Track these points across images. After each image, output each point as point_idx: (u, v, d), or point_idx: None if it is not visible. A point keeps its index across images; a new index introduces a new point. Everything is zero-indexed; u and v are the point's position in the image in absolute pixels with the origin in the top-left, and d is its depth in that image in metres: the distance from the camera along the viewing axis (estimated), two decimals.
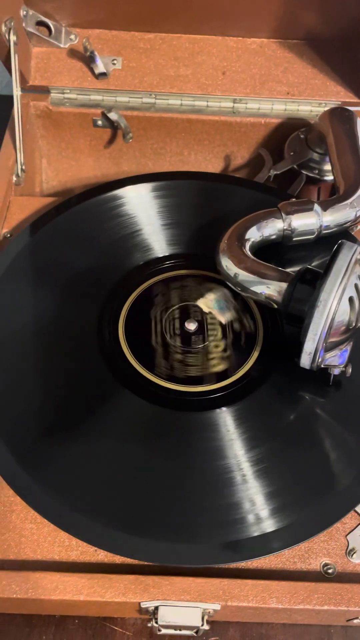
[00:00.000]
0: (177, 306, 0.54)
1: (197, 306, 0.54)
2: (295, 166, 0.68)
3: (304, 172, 0.68)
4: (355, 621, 0.48)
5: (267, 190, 0.63)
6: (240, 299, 0.54)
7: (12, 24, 0.61)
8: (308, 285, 0.44)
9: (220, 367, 0.51)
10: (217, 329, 0.53)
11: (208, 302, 0.54)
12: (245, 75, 0.71)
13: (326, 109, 0.66)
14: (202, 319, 0.54)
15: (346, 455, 0.47)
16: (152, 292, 0.55)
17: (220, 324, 0.53)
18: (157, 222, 0.59)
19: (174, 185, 0.62)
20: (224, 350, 0.52)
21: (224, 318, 0.52)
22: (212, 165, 0.77)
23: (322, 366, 0.46)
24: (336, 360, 0.45)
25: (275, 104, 0.71)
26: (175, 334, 0.53)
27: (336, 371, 0.46)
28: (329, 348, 0.44)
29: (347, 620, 0.49)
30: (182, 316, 0.54)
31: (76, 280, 0.55)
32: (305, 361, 0.44)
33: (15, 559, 0.45)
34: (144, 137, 0.74)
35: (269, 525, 0.44)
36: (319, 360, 0.44)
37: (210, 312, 0.53)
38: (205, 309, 0.54)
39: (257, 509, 0.44)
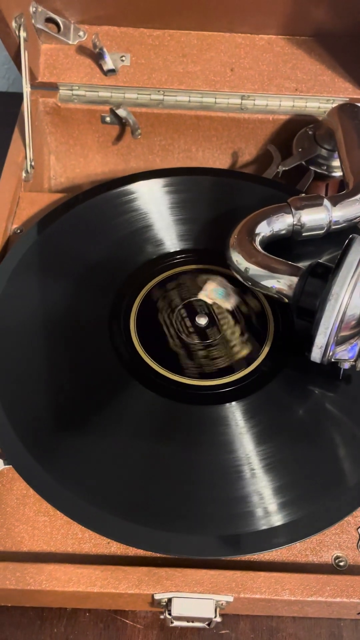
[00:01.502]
0: (181, 305, 0.55)
1: (201, 300, 0.55)
2: (303, 162, 0.68)
3: (312, 168, 0.68)
4: None
5: (277, 186, 0.64)
6: (238, 283, 0.54)
7: (22, 20, 0.61)
8: (319, 279, 0.45)
9: (245, 352, 0.52)
10: (227, 317, 0.53)
11: (210, 294, 0.54)
12: (254, 71, 0.71)
13: (334, 105, 0.67)
14: (210, 311, 0.54)
15: (356, 449, 0.47)
16: (165, 285, 0.56)
17: (228, 310, 0.53)
18: (168, 217, 0.60)
19: (184, 181, 0.62)
20: (242, 334, 0.53)
21: (229, 304, 0.52)
22: (220, 161, 0.78)
23: (333, 360, 0.46)
24: (346, 354, 0.46)
25: (283, 101, 0.72)
26: (190, 332, 0.53)
27: (346, 365, 0.47)
28: (339, 342, 0.44)
29: (358, 614, 0.49)
30: (189, 313, 0.54)
31: (88, 275, 0.56)
32: (316, 355, 0.45)
33: (28, 551, 0.45)
34: (152, 133, 0.74)
35: (279, 518, 0.44)
36: (330, 354, 0.44)
37: (214, 303, 0.54)
38: (209, 301, 0.54)
39: (268, 502, 0.45)
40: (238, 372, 0.51)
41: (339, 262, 0.43)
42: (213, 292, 0.54)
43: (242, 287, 0.55)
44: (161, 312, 0.54)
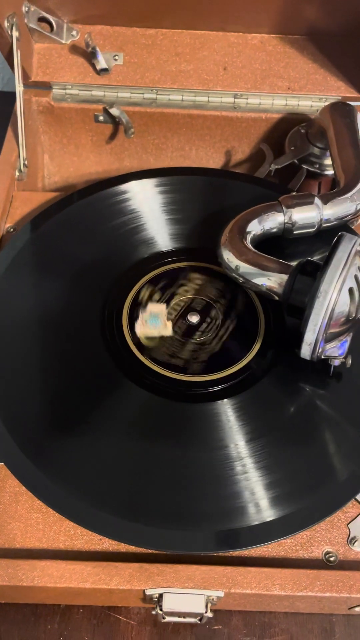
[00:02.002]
0: (173, 303, 0.55)
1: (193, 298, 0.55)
2: (296, 161, 0.69)
3: (304, 166, 0.69)
4: (357, 609, 0.48)
5: (269, 185, 0.64)
6: (230, 281, 0.54)
7: (15, 19, 0.61)
8: (308, 277, 0.45)
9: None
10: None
11: (143, 325, 0.53)
12: (247, 70, 0.71)
13: (327, 104, 0.67)
14: (202, 309, 0.55)
15: (346, 445, 0.47)
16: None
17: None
18: (160, 216, 0.60)
19: (176, 181, 0.62)
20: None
21: (165, 331, 0.53)
22: (214, 160, 0.78)
23: (322, 357, 0.46)
24: (336, 351, 0.46)
25: (276, 99, 0.72)
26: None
27: (336, 362, 0.47)
28: (329, 339, 0.44)
29: (349, 609, 0.49)
30: (181, 311, 0.55)
31: (80, 273, 0.56)
32: (305, 352, 0.45)
33: (21, 548, 0.45)
34: (145, 132, 0.74)
35: (270, 514, 0.44)
36: (319, 351, 0.45)
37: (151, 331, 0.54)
38: (141, 331, 0.53)
39: (259, 497, 0.45)
40: (230, 369, 0.51)
41: (327, 260, 0.43)
42: (146, 322, 0.53)
43: (233, 285, 0.55)
44: (167, 344, 0.54)
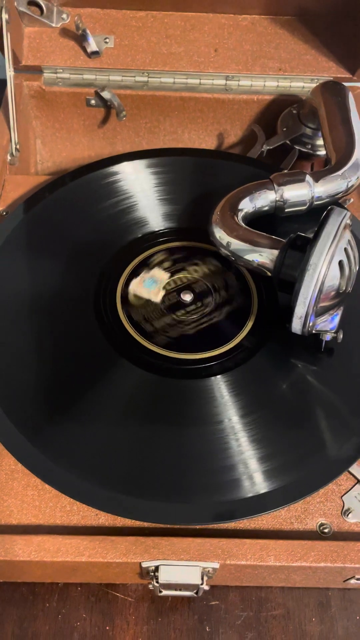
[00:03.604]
0: (166, 281, 0.55)
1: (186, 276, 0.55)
2: (288, 141, 0.69)
3: (296, 147, 0.69)
4: (352, 581, 0.49)
5: (261, 165, 0.64)
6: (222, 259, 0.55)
7: (4, 2, 0.61)
8: (299, 251, 0.45)
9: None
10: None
11: (139, 285, 0.54)
12: (237, 52, 0.71)
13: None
14: (195, 287, 0.55)
15: (338, 419, 0.48)
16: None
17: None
18: (152, 197, 0.60)
19: (168, 162, 0.63)
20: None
21: (157, 296, 0.53)
22: (206, 143, 0.78)
23: (314, 332, 0.47)
24: (327, 325, 0.46)
25: (267, 81, 0.72)
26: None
27: (327, 337, 0.47)
28: (319, 313, 0.45)
29: (344, 581, 0.50)
30: (174, 289, 0.55)
31: (73, 254, 0.56)
32: (296, 326, 0.45)
33: (17, 524, 0.46)
34: (137, 116, 0.74)
35: (264, 486, 0.45)
36: (310, 324, 0.45)
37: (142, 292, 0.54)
38: (137, 291, 0.54)
39: (253, 470, 0.45)
40: (224, 347, 0.52)
41: (316, 233, 0.43)
42: (143, 283, 0.54)
43: (226, 263, 0.55)
44: (146, 307, 0.55)
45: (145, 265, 0.56)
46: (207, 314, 0.53)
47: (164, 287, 0.54)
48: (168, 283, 0.55)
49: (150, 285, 0.53)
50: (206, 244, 0.57)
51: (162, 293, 0.54)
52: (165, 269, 0.55)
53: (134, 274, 0.55)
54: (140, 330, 0.52)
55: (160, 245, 0.57)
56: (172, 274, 0.55)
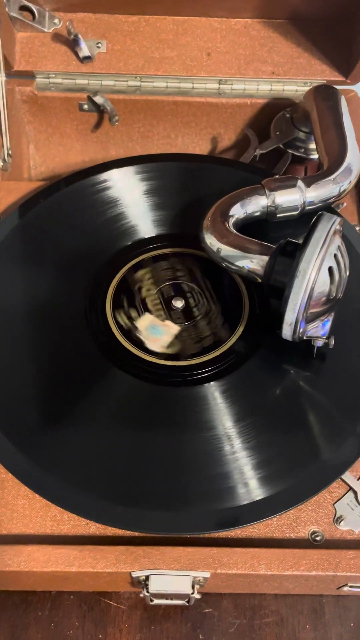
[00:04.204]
0: (157, 288, 0.55)
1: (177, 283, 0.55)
2: (281, 145, 0.69)
3: (290, 151, 0.68)
4: (345, 589, 0.49)
5: (253, 169, 0.64)
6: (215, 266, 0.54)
7: None
8: (288, 257, 0.45)
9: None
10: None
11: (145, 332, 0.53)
12: (230, 56, 0.71)
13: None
14: (186, 294, 0.55)
15: (331, 425, 0.48)
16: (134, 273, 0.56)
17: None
18: (143, 203, 0.60)
19: (159, 168, 0.62)
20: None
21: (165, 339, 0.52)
22: (200, 147, 0.78)
23: (305, 338, 0.46)
24: (318, 331, 0.46)
25: (260, 85, 0.72)
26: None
27: (319, 343, 0.47)
28: (309, 319, 0.44)
29: (338, 589, 0.50)
30: (165, 297, 0.55)
31: (64, 262, 0.56)
32: (286, 332, 0.45)
33: (7, 534, 0.46)
34: (130, 120, 0.74)
35: (257, 494, 0.45)
36: (300, 331, 0.45)
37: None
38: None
39: (246, 478, 0.45)
40: (215, 352, 0.51)
41: (306, 239, 0.43)
42: (151, 337, 0.52)
43: (218, 270, 0.55)
44: (137, 296, 0.54)
45: (130, 331, 0.53)
46: (205, 313, 0.53)
47: (162, 318, 0.53)
48: (156, 312, 0.54)
49: (156, 332, 0.51)
50: (196, 250, 0.56)
51: (169, 322, 0.53)
52: (138, 316, 0.53)
53: (118, 294, 0.54)
54: (117, 316, 0.52)
55: (144, 270, 0.56)
56: (146, 309, 0.54)
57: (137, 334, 0.52)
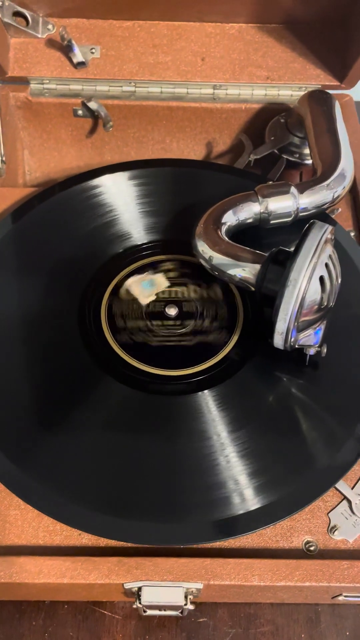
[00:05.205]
0: (179, 290, 0.55)
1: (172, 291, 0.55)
2: (276, 151, 0.68)
3: (284, 156, 0.68)
4: (340, 598, 0.48)
5: (247, 175, 0.63)
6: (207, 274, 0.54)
7: None
8: (280, 266, 0.44)
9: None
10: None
11: (134, 285, 0.53)
12: (225, 60, 0.71)
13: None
14: (180, 302, 0.54)
15: (324, 434, 0.47)
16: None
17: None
18: (136, 209, 0.60)
19: (152, 173, 0.62)
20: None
21: (150, 297, 0.53)
22: (195, 152, 0.77)
23: (297, 346, 0.46)
24: (311, 339, 0.46)
25: (255, 89, 0.71)
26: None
27: (311, 351, 0.47)
28: (301, 328, 0.44)
29: (333, 598, 0.49)
30: (159, 304, 0.54)
31: (57, 268, 0.56)
32: (278, 341, 0.45)
33: None
34: (125, 125, 0.74)
35: (251, 504, 0.44)
36: (292, 340, 0.44)
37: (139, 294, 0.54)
38: (133, 292, 0.54)
39: (240, 488, 0.45)
40: (209, 362, 0.51)
41: (297, 248, 0.43)
42: (142, 282, 0.53)
43: (211, 277, 0.55)
44: (130, 304, 0.54)
45: (153, 267, 0.55)
46: (179, 335, 0.53)
47: (157, 295, 0.53)
48: (163, 292, 0.54)
49: (146, 286, 0.52)
50: (189, 257, 0.56)
51: (151, 298, 0.53)
52: (168, 278, 0.55)
53: (137, 272, 0.55)
54: (111, 323, 0.52)
55: (160, 256, 0.57)
56: (172, 285, 0.55)
57: (130, 291, 0.52)
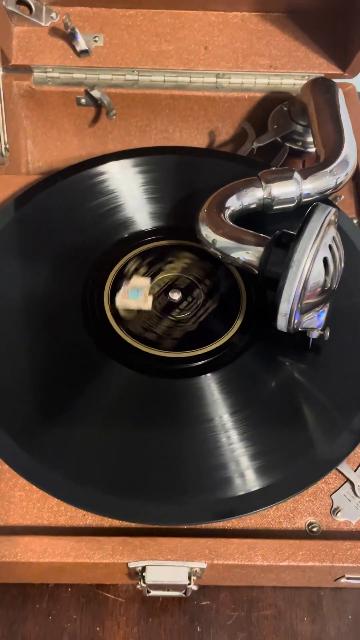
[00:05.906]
0: (154, 281, 0.55)
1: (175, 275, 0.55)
2: (279, 139, 0.68)
3: (287, 144, 0.68)
4: (342, 580, 0.49)
5: (250, 162, 0.64)
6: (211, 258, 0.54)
7: None
8: (283, 249, 0.45)
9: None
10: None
11: (123, 296, 0.53)
12: (228, 49, 0.71)
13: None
14: (183, 286, 0.55)
15: (326, 417, 0.48)
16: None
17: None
18: (140, 196, 0.60)
19: (156, 160, 0.62)
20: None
21: (145, 305, 0.53)
22: (198, 141, 0.77)
23: (300, 329, 0.46)
24: (314, 322, 0.46)
25: (258, 78, 0.71)
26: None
27: (314, 334, 0.47)
28: (304, 310, 0.44)
29: (335, 580, 0.50)
30: (162, 289, 0.55)
31: (61, 254, 0.56)
32: (281, 323, 0.45)
33: (4, 525, 0.46)
34: (128, 114, 0.74)
35: (255, 484, 0.45)
36: (295, 322, 0.44)
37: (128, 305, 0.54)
38: (121, 303, 0.53)
39: (242, 469, 0.45)
40: (212, 345, 0.51)
41: (300, 230, 0.43)
42: (127, 294, 0.53)
43: (219, 265, 0.55)
44: (142, 317, 0.54)
45: (122, 277, 0.55)
46: (202, 305, 0.53)
47: (151, 293, 0.54)
48: (152, 287, 0.54)
49: (135, 296, 0.52)
50: (193, 242, 0.56)
51: (150, 299, 0.53)
52: (144, 275, 0.55)
53: (115, 286, 0.55)
54: (145, 340, 0.51)
55: (134, 250, 0.57)
56: (153, 278, 0.55)
57: (124, 283, 0.53)
